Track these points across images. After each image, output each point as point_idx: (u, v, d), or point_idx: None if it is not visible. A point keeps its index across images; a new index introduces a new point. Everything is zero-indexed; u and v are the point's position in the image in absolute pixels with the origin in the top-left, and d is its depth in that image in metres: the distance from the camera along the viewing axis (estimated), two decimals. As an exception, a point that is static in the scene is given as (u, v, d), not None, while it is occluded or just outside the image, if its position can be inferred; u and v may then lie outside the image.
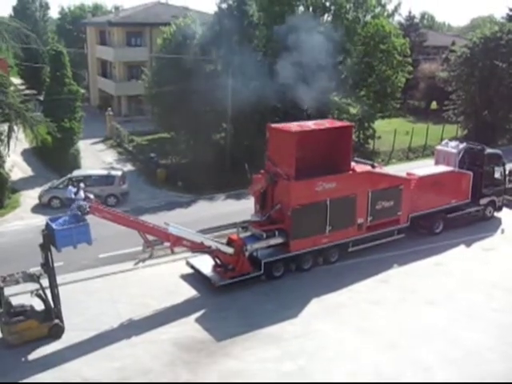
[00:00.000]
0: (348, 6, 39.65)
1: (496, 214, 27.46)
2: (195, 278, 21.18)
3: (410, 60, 41.52)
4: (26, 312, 17.17)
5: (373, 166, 24.06)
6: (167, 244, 19.55)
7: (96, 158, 39.06)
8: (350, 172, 22.15)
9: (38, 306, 17.43)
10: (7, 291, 17.04)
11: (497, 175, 27.19)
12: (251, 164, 24.80)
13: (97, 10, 77.14)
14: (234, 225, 21.75)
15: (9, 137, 28.36)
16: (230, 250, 20.39)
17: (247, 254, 20.62)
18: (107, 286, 20.71)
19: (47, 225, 17.42)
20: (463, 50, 43.61)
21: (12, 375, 15.56)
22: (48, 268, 17.04)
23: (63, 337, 17.27)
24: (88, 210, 17.55)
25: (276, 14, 36.24)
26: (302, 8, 39.66)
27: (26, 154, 39.39)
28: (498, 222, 27.11)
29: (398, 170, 29.50)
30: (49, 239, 16.96)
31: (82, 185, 18.90)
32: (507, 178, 27.98)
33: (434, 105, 57.55)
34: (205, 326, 18.02)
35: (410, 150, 40.77)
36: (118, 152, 41.10)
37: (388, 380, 15.47)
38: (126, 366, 16.04)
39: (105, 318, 18.37)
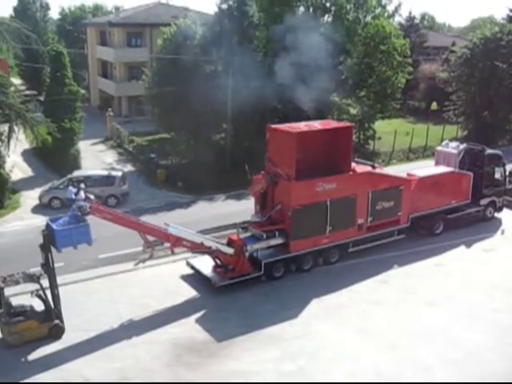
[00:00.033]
0: (348, 7, 39.71)
1: (496, 214, 27.45)
2: (195, 278, 21.18)
3: (410, 61, 41.53)
4: (26, 312, 17.17)
5: (373, 167, 24.07)
6: (167, 244, 19.56)
7: (96, 158, 39.06)
8: (351, 173, 22.15)
9: (38, 306, 17.43)
10: (7, 291, 17.05)
11: (497, 176, 27.19)
12: (251, 164, 24.77)
13: (97, 10, 77.15)
14: (234, 225, 21.75)
15: (9, 137, 28.37)
16: (230, 251, 20.39)
17: (247, 254, 20.61)
18: (107, 287, 20.71)
19: (47, 225, 17.42)
20: (463, 51, 43.62)
21: (12, 375, 15.56)
22: (48, 268, 17.04)
23: (63, 337, 17.28)
24: (88, 210, 17.54)
25: (276, 14, 36.27)
26: (302, 8, 39.71)
27: (26, 155, 39.40)
28: (499, 222, 27.10)
29: (398, 170, 29.53)
30: (49, 239, 16.96)
31: (82, 185, 18.88)
32: (507, 179, 27.96)
33: (434, 105, 57.54)
34: (205, 327, 18.02)
35: (410, 151, 40.76)
36: (118, 152, 41.11)
37: (388, 380, 15.47)
38: (126, 366, 16.04)
39: (105, 318, 18.37)
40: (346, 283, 20.88)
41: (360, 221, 22.64)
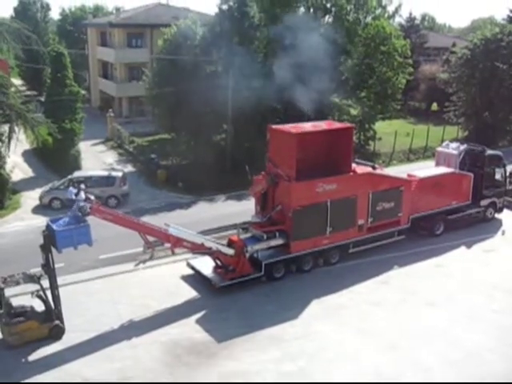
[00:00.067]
0: (349, 8, 39.72)
1: (497, 215, 27.45)
2: (196, 279, 21.18)
3: (410, 61, 41.52)
4: (26, 313, 17.18)
5: (373, 168, 24.07)
6: (168, 245, 19.56)
7: (97, 159, 39.08)
8: (351, 173, 22.15)
9: (39, 306, 17.44)
10: (8, 292, 17.07)
11: (497, 177, 27.20)
12: (252, 165, 24.80)
13: (97, 11, 77.14)
14: (234, 226, 21.76)
15: (10, 138, 28.43)
16: (230, 252, 20.39)
17: (248, 255, 20.61)
18: (108, 287, 20.71)
19: (48, 226, 17.43)
20: (464, 52, 43.61)
21: (12, 376, 15.56)
22: (48, 269, 17.04)
23: (64, 338, 17.28)
24: (89, 211, 17.54)
25: (277, 15, 36.29)
26: (302, 9, 39.72)
27: (26, 155, 39.42)
28: (499, 223, 27.09)
29: (398, 171, 29.53)
30: (49, 240, 16.96)
31: (82, 186, 18.88)
32: (508, 180, 27.96)
33: (434, 106, 57.52)
34: (205, 327, 18.02)
35: (410, 152, 40.76)
36: (118, 153, 41.12)
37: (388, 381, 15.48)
38: (126, 366, 16.05)
39: (105, 319, 18.37)
40: (347, 284, 20.88)
41: (360, 221, 22.64)
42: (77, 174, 30.50)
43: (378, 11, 41.43)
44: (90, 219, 17.77)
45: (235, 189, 30.68)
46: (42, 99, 40.38)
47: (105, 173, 31.06)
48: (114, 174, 30.74)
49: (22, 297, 17.75)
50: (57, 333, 17.26)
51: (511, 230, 26.24)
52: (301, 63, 29.18)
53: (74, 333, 17.38)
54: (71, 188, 18.92)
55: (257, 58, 33.61)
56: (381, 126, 42.50)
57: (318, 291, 20.27)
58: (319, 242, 21.75)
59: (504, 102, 41.57)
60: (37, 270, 17.53)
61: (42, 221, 24.10)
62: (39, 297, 17.25)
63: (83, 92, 45.58)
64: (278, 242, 21.15)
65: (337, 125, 25.33)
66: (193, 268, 21.47)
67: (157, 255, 20.18)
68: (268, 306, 19.39)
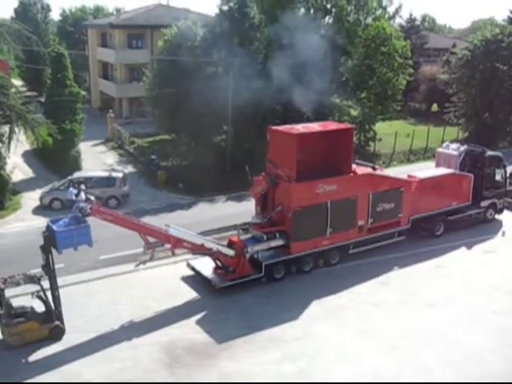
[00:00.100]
0: (349, 9, 39.76)
1: (497, 216, 27.44)
2: (196, 279, 21.18)
3: (410, 62, 41.55)
4: (26, 313, 17.17)
5: (374, 168, 24.07)
6: (168, 246, 19.55)
7: (97, 159, 39.08)
8: (351, 174, 22.16)
9: (39, 307, 17.44)
10: (8, 293, 17.06)
11: (498, 177, 27.19)
12: (252, 166, 24.79)
13: (98, 12, 77.24)
14: (234, 227, 21.73)
15: (10, 138, 28.44)
16: (230, 252, 20.39)
17: (248, 256, 20.60)
18: (108, 288, 20.71)
19: (48, 226, 17.43)
20: (464, 53, 43.61)
21: (12, 377, 15.55)
22: (49, 270, 17.04)
23: (64, 338, 17.27)
24: (89, 211, 17.54)
25: (277, 16, 36.29)
26: (302, 10, 39.73)
27: (26, 156, 39.42)
28: (499, 224, 27.08)
29: (398, 172, 29.51)
30: (49, 241, 16.96)
31: (82, 186, 18.87)
32: (508, 181, 27.96)
33: (434, 107, 57.54)
34: (205, 328, 18.01)
35: (410, 153, 40.76)
36: (118, 154, 41.12)
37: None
38: (126, 367, 16.04)
39: (105, 319, 18.36)
40: (347, 285, 20.87)
41: (360, 222, 22.63)
42: (77, 174, 30.53)
43: (379, 12, 41.46)
44: (90, 220, 17.76)
45: (235, 190, 30.69)
46: (43, 100, 40.40)
47: (105, 173, 31.06)
48: (114, 174, 30.74)
49: (23, 297, 17.74)
50: (57, 333, 17.25)
51: (511, 231, 26.23)
52: (301, 64, 29.21)
53: (75, 333, 17.38)
54: (71, 189, 18.93)
55: (257, 58, 33.62)
56: (381, 127, 42.52)
57: (319, 292, 20.26)
58: (319, 242, 21.75)
59: (504, 103, 41.57)
60: (37, 270, 17.51)
61: (42, 221, 24.11)
62: (39, 297, 17.25)
63: (83, 93, 45.63)
64: (279, 242, 21.15)
65: (337, 125, 25.33)
66: (193, 269, 21.47)
67: (157, 256, 20.17)
68: (268, 306, 19.38)
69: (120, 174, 30.90)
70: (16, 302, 17.35)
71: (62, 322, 17.39)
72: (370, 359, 16.48)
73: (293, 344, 17.21)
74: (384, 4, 41.60)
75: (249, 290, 20.32)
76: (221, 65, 33.72)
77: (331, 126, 24.77)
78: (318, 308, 19.34)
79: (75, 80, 36.61)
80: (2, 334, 17.18)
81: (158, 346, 17.08)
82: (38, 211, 28.84)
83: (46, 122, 30.74)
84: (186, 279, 21.41)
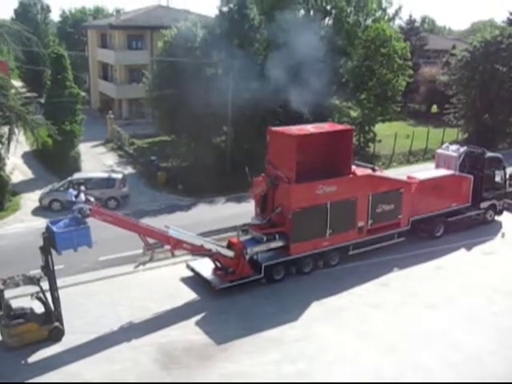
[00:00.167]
0: (349, 10, 39.86)
1: (496, 217, 27.45)
2: (195, 281, 21.17)
3: (410, 64, 41.53)
4: (25, 315, 17.17)
5: (373, 170, 24.06)
6: (167, 247, 19.54)
7: (97, 160, 39.08)
8: (351, 175, 22.16)
9: (38, 308, 17.43)
10: (7, 294, 17.04)
11: (497, 179, 27.21)
12: (252, 167, 24.82)
13: (98, 13, 77.26)
14: (234, 228, 21.70)
15: (9, 139, 28.39)
16: (230, 254, 20.38)
17: (247, 257, 20.59)
18: (107, 289, 20.70)
19: (48, 227, 17.41)
20: (464, 54, 43.63)
21: (12, 378, 15.54)
22: (48, 271, 17.03)
23: (63, 339, 17.27)
24: (88, 212, 17.53)
25: (277, 17, 36.31)
26: (302, 11, 39.77)
27: (26, 157, 39.40)
28: (499, 225, 27.08)
29: (398, 173, 29.47)
30: (49, 242, 16.95)
31: (82, 188, 18.85)
32: (508, 182, 27.97)
33: (434, 108, 57.55)
34: (205, 329, 18.00)
35: (410, 154, 40.76)
36: (118, 155, 41.12)
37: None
38: (125, 368, 16.03)
39: (105, 320, 18.35)
40: (347, 286, 20.87)
41: (360, 223, 22.63)
42: (77, 175, 30.55)
43: (378, 13, 41.56)
44: (90, 221, 17.76)
45: (235, 191, 30.69)
46: (42, 101, 40.42)
47: (105, 175, 31.07)
48: (113, 175, 30.75)
49: (22, 298, 17.72)
50: (56, 335, 17.24)
51: (511, 232, 26.24)
52: (301, 65, 29.21)
53: (74, 334, 17.37)
54: (71, 190, 18.95)
55: (257, 60, 33.63)
56: (381, 128, 42.52)
57: (318, 293, 20.25)
58: (319, 244, 21.74)
59: (504, 104, 41.58)
60: (36, 271, 17.50)
61: (41, 222, 24.08)
62: (39, 299, 17.24)
63: (83, 94, 45.61)
64: (278, 244, 21.14)
65: (337, 127, 25.33)
66: (192, 270, 21.46)
67: (156, 257, 20.14)
68: (268, 308, 19.38)
69: (120, 175, 30.91)
70: (15, 303, 17.33)
71: (62, 323, 17.38)
72: (370, 360, 16.47)
73: (292, 345, 17.20)
74: (384, 5, 41.72)
75: (248, 291, 20.31)
76: (221, 66, 33.75)
77: (331, 127, 24.76)
78: (317, 309, 19.34)
79: (75, 81, 36.61)
80: (2, 335, 17.16)
81: (158, 347, 17.07)
82: (37, 212, 28.83)
83: (46, 122, 30.75)
84: (185, 280, 21.40)
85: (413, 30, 60.53)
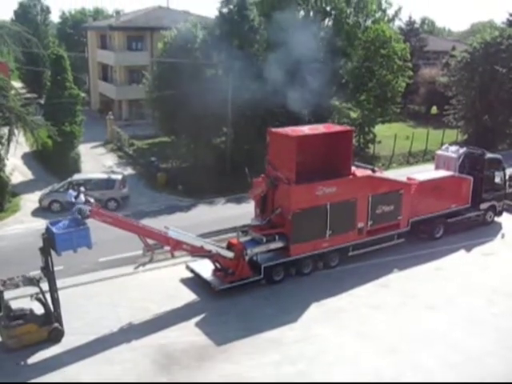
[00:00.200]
0: (349, 11, 39.88)
1: (496, 218, 27.44)
2: (195, 282, 21.16)
3: (410, 65, 41.55)
4: (25, 316, 17.16)
5: (373, 171, 24.06)
6: (167, 248, 19.54)
7: (96, 161, 39.08)
8: (351, 176, 22.16)
9: (38, 309, 17.42)
10: (7, 295, 17.02)
11: (497, 180, 27.19)
12: (251, 168, 24.81)
13: (98, 14, 77.34)
14: (234, 229, 21.72)
15: (9, 140, 28.40)
16: (230, 255, 20.37)
17: (247, 258, 20.58)
18: (107, 290, 20.69)
19: (47, 228, 17.42)
20: (463, 55, 43.63)
21: (11, 379, 15.53)
22: (48, 272, 17.03)
23: (63, 341, 17.25)
24: (88, 213, 17.54)
25: (277, 18, 36.32)
26: (302, 12, 39.78)
27: (26, 158, 39.39)
28: (499, 226, 27.08)
29: (398, 174, 29.46)
30: (49, 243, 16.95)
31: (82, 188, 18.86)
32: (507, 183, 27.97)
33: (434, 109, 57.58)
34: (204, 331, 18.00)
35: (410, 155, 40.77)
36: (118, 156, 41.12)
37: (388, 385, 15.48)
38: (125, 369, 16.02)
39: (105, 321, 18.34)
40: (346, 287, 20.87)
41: (360, 225, 22.63)
42: (76, 176, 30.56)
43: (378, 15, 41.58)
44: (90, 222, 17.76)
45: (235, 192, 30.69)
46: (42, 102, 40.43)
47: (104, 175, 31.09)
48: (113, 176, 30.75)
49: (22, 300, 17.71)
50: (56, 336, 17.23)
51: (511, 233, 26.24)
52: (300, 66, 29.23)
53: (74, 336, 17.36)
54: (71, 191, 18.95)
55: (256, 61, 33.64)
56: (380, 129, 42.52)
57: (318, 294, 20.25)
58: (319, 245, 21.74)
59: (503, 105, 41.60)
60: (36, 272, 17.51)
61: (41, 223, 24.09)
62: (38, 300, 17.23)
63: (83, 95, 45.57)
64: (278, 245, 21.14)
65: (336, 128, 25.32)
66: (192, 271, 21.46)
67: (156, 258, 20.15)
68: (267, 309, 19.37)
69: (119, 176, 30.90)
70: (15, 304, 17.33)
71: (61, 324, 17.37)
72: (370, 361, 16.47)
73: (292, 346, 17.20)
74: (383, 7, 41.75)
75: (248, 292, 20.31)
76: (220, 67, 33.76)
77: (331, 128, 24.76)
78: (317, 310, 19.33)
79: (75, 82, 36.59)
80: (1, 336, 17.16)
81: (157, 348, 17.07)
82: (37, 213, 28.82)
83: (46, 123, 30.74)
84: (185, 281, 21.40)
85: (412, 31, 60.55)
